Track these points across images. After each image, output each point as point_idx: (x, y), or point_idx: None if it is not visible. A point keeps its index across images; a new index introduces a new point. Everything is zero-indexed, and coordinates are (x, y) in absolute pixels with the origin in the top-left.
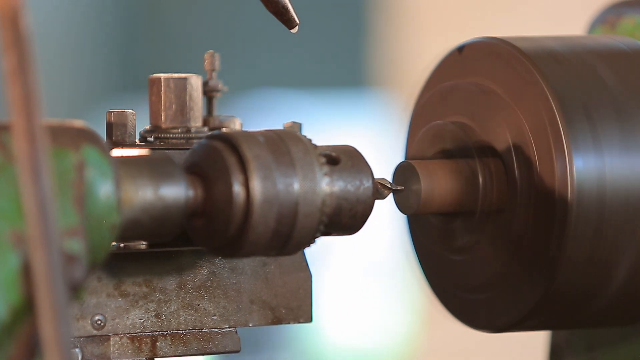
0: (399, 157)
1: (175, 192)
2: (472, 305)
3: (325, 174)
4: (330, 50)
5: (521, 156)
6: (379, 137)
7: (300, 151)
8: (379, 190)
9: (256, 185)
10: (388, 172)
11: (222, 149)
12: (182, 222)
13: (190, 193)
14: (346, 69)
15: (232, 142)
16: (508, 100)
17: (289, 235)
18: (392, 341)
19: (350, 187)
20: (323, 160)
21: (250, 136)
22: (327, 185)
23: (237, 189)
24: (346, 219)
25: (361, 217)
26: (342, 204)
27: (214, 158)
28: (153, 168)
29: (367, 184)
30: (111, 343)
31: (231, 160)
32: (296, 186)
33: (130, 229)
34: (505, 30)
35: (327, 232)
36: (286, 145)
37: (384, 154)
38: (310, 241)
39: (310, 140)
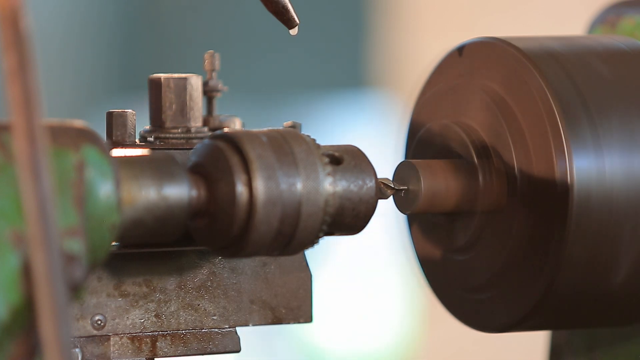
0: (399, 157)
1: (179, 192)
2: (472, 305)
3: (328, 174)
4: (330, 50)
5: (521, 156)
6: (379, 137)
7: (304, 151)
8: (381, 190)
9: (259, 185)
10: (388, 172)
11: (225, 148)
12: (185, 222)
13: (194, 193)
14: (346, 69)
15: (235, 142)
16: (508, 100)
17: (292, 235)
18: (392, 341)
19: (353, 187)
20: (326, 160)
21: (254, 136)
22: (330, 185)
23: (240, 189)
24: (349, 218)
25: (364, 217)
26: (345, 204)
27: (217, 158)
28: (156, 168)
29: (370, 183)
30: (111, 343)
31: (234, 160)
32: (299, 186)
33: (134, 229)
34: (505, 30)
35: (330, 232)
36: (289, 145)
37: (384, 154)
38: (313, 241)
39: (313, 140)
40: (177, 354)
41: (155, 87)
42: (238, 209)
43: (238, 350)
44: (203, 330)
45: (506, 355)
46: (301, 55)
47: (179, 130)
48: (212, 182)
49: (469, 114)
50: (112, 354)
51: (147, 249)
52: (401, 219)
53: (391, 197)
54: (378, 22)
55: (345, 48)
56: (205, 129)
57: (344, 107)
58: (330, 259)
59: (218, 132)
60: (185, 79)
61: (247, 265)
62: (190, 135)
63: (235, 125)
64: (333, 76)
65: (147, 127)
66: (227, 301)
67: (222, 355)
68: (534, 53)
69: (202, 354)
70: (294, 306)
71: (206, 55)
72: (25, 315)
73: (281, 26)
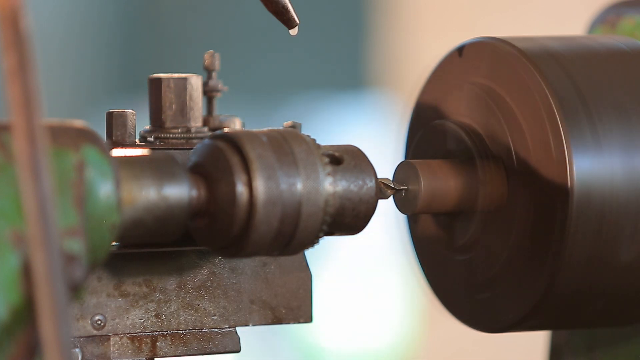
0: (399, 157)
1: (179, 192)
2: (472, 305)
3: (328, 174)
4: (330, 51)
5: (521, 156)
6: (379, 138)
7: (304, 151)
8: (382, 190)
9: (259, 185)
10: (388, 172)
11: (225, 148)
12: (186, 222)
13: (194, 193)
14: (346, 69)
15: (235, 142)
16: (508, 100)
17: (292, 236)
18: (392, 341)
19: (353, 187)
20: (326, 160)
21: (254, 136)
22: (330, 185)
23: (240, 189)
24: (349, 218)
25: (364, 217)
26: (345, 204)
27: (217, 158)
28: (156, 168)
29: (370, 183)
30: (111, 343)
31: (234, 160)
32: (299, 186)
33: (134, 229)
34: (505, 30)
35: (330, 232)
36: (289, 145)
37: (384, 154)
38: (313, 241)
39: (313, 140)
40: (177, 354)
41: (155, 87)
42: (238, 209)
43: (238, 350)
44: (203, 330)
45: (506, 355)
46: (301, 56)
47: (179, 130)
48: (212, 182)
49: (468, 114)
50: (112, 354)
51: (147, 249)
52: (401, 219)
53: (391, 197)
54: (378, 22)
55: (345, 48)
56: (205, 129)
57: (344, 108)
58: (330, 259)
59: (218, 132)
60: (185, 79)
61: (247, 265)
62: (190, 135)
63: (235, 125)
64: (333, 76)
65: (147, 127)
66: (227, 301)
67: (222, 355)
68: (534, 53)
69: (202, 354)
70: (294, 306)
71: (206, 55)
72: (25, 315)
73: (281, 26)
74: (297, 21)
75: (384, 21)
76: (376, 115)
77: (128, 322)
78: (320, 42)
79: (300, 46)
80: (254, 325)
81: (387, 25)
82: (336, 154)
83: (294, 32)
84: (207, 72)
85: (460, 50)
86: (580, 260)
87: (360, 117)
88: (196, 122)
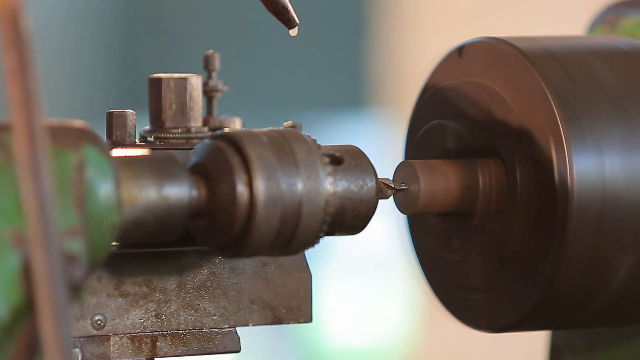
0: (399, 157)
1: (179, 192)
2: (472, 305)
3: (329, 174)
4: (330, 69)
5: (521, 156)
6: (378, 155)
7: (304, 151)
8: (382, 190)
9: (260, 185)
10: (388, 174)
11: (225, 149)
12: (186, 222)
13: (194, 193)
14: (346, 87)
15: (235, 142)
16: (508, 100)
17: (293, 236)
18: (392, 341)
19: (353, 187)
20: (326, 160)
21: (254, 136)
22: (331, 185)
23: (241, 189)
24: (349, 218)
25: (364, 217)
26: (345, 204)
27: (217, 158)
28: (156, 168)
29: (371, 183)
30: (111, 343)
31: (235, 160)
32: (299, 186)
33: (134, 229)
34: (505, 30)
35: (330, 232)
36: (290, 145)
37: (384, 171)
38: (313, 241)
39: (314, 140)
40: (177, 354)
41: (155, 87)
42: (238, 209)
43: (238, 350)
44: (203, 330)
45: (506, 355)
46: (300, 72)
47: (179, 130)
48: (213, 182)
49: (468, 114)
50: (112, 354)
51: (147, 249)
52: (401, 219)
53: (391, 197)
54: (378, 24)
55: (345, 66)
56: (205, 129)
57: (343, 126)
58: (330, 259)
59: (218, 132)
60: (185, 79)
61: (247, 265)
62: (190, 135)
63: (235, 125)
64: (332, 93)
65: (147, 127)
66: (227, 301)
67: (222, 355)
68: (534, 53)
69: (202, 354)
70: (294, 306)
71: (206, 55)
72: (25, 315)
73: (280, 34)
74: (297, 21)
75: (383, 23)
76: (376, 132)
77: (128, 322)
78: (319, 60)
79: (299, 61)
80: (254, 325)
81: (387, 26)
82: (336, 154)
83: (293, 32)
84: (207, 72)
85: (460, 50)
86: (581, 260)
87: (360, 135)
88: (196, 122)
